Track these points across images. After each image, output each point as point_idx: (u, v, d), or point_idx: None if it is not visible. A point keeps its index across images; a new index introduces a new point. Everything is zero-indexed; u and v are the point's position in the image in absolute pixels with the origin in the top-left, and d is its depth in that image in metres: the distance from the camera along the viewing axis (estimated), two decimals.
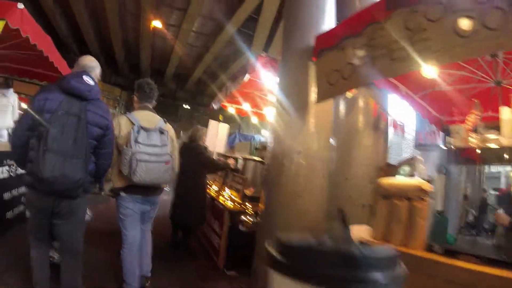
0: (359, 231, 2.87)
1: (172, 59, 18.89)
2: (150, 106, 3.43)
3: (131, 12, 14.93)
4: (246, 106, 7.62)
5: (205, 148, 5.64)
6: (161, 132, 3.17)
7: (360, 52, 2.71)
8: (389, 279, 1.14)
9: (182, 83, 23.88)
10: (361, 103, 4.20)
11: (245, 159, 6.43)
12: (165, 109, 22.91)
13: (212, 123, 8.63)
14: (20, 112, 5.19)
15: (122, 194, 3.12)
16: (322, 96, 3.29)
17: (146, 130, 3.06)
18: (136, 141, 2.95)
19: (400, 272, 1.23)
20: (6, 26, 2.99)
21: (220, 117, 9.94)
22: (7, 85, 5.58)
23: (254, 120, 8.52)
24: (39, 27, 3.69)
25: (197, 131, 5.47)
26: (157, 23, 13.63)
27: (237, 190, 5.57)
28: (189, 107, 24.50)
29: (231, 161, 5.94)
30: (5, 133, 5.28)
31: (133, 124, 3.06)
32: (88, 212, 3.15)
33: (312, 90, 3.41)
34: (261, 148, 6.95)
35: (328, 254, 1.19)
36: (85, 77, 2.46)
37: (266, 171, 3.99)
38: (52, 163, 2.18)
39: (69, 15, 14.77)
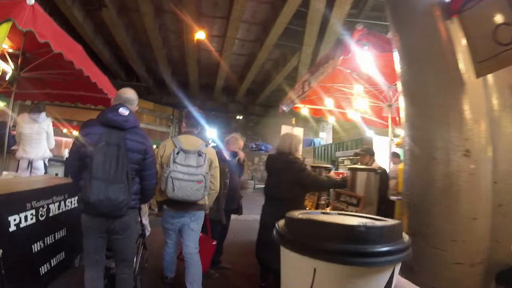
0: None
1: (220, 72, 18.32)
2: (195, 132, 3.71)
3: (172, 29, 14.56)
4: (329, 103, 6.52)
5: (303, 161, 4.14)
6: (199, 154, 3.41)
7: None
8: (392, 251, 1.09)
9: (232, 94, 23.38)
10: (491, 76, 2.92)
11: (351, 170, 4.71)
12: (218, 123, 22.70)
13: (284, 128, 7.50)
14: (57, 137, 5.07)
15: (164, 207, 3.52)
16: (490, 65, 2.18)
17: (185, 152, 3.35)
18: (174, 161, 3.26)
19: (404, 244, 1.15)
20: (27, 38, 2.72)
21: (293, 121, 8.71)
22: (38, 109, 4.94)
23: (331, 120, 7.38)
24: (61, 30, 3.09)
25: (291, 139, 4.05)
26: (200, 35, 12.98)
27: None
28: (242, 118, 23.80)
29: (342, 174, 4.70)
30: (41, 165, 4.72)
31: (175, 146, 3.38)
32: (147, 226, 3.49)
33: (461, 60, 2.32)
34: (364, 153, 5.61)
35: (329, 228, 1.15)
36: (121, 109, 2.67)
37: (407, 186, 2.69)
38: (97, 189, 2.46)
39: (111, 43, 14.66)
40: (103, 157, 2.53)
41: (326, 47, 14.60)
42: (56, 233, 3.78)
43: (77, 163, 2.62)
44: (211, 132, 21.04)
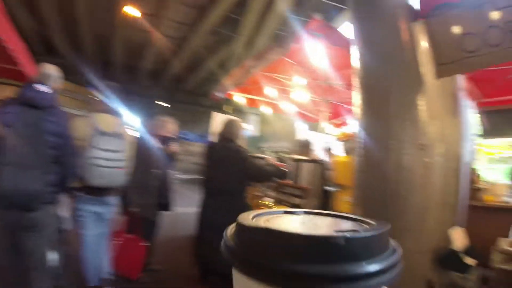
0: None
1: (148, 53, 17.47)
2: (112, 110, 3.35)
3: (101, 3, 13.53)
4: (269, 92, 6.37)
5: (247, 150, 3.85)
6: (119, 137, 3.22)
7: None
8: (383, 270, 0.79)
9: (158, 79, 22.38)
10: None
11: (296, 161, 4.71)
12: (141, 108, 21.57)
13: (216, 116, 7.16)
14: None
15: (79, 194, 3.11)
16: (451, 69, 2.36)
17: (104, 134, 3.10)
18: (94, 146, 3.01)
19: (394, 258, 0.86)
20: None
21: (228, 109, 8.32)
22: None
23: (265, 111, 7.27)
24: None
25: (235, 126, 3.79)
26: (132, 10, 12.20)
27: (294, 206, 3.95)
28: (166, 104, 22.93)
29: (280, 164, 4.39)
30: None
31: (92, 126, 3.07)
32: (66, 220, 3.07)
33: (422, 61, 2.45)
34: (302, 147, 5.50)
35: (296, 241, 0.80)
36: (38, 86, 2.47)
37: (361, 179, 2.73)
38: (10, 176, 2.23)
39: (33, 11, 13.30)
40: (17, 140, 2.32)
41: (261, 40, 14.63)
42: None
43: None
44: (132, 117, 19.99)
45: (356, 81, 2.78)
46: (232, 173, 3.53)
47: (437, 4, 2.41)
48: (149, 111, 22.05)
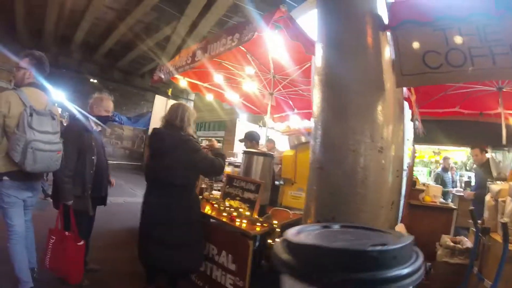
0: None
1: (83, 23, 16.11)
2: (42, 84, 3.09)
3: None
4: (218, 79, 6.17)
5: (198, 140, 3.58)
6: (52, 117, 3.00)
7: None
8: (405, 275, 1.01)
9: (90, 53, 20.81)
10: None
11: (247, 154, 4.55)
12: (70, 84, 20.01)
13: (159, 99, 6.71)
14: None
15: (5, 178, 2.86)
16: (413, 80, 2.56)
17: (38, 113, 2.86)
18: (30, 127, 2.78)
19: (418, 264, 1.08)
20: None
21: (169, 92, 7.84)
22: None
23: (209, 98, 6.96)
24: None
25: (184, 111, 3.44)
26: None
27: (247, 201, 3.92)
28: (97, 82, 21.47)
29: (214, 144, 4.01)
30: None
31: (24, 104, 2.81)
32: None
33: (385, 69, 2.60)
34: (249, 139, 5.37)
35: (339, 254, 1.05)
36: None
37: (317, 175, 2.69)
38: None
39: None
40: None
41: (206, 24, 14.24)
42: None
43: None
44: (58, 94, 18.44)
45: (315, 78, 2.83)
46: (180, 165, 3.23)
47: (405, 19, 2.54)
48: (78, 88, 20.69)
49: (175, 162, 3.21)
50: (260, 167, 4.28)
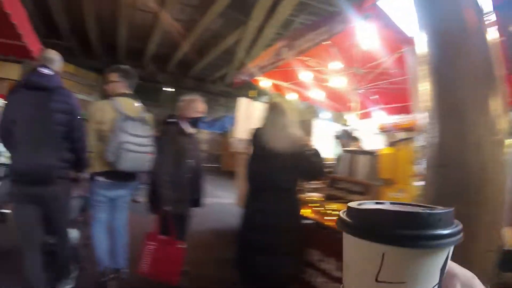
0: None
1: (153, 37, 16.76)
2: (131, 93, 3.39)
3: None
4: (305, 77, 5.82)
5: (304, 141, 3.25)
6: (144, 122, 3.25)
7: None
8: (450, 234, 0.76)
9: (163, 64, 21.63)
10: None
11: (349, 152, 4.30)
12: (146, 94, 20.89)
13: (242, 101, 6.57)
14: None
15: (100, 178, 3.16)
16: None
17: (131, 119, 3.12)
18: (123, 130, 3.02)
19: (458, 227, 0.81)
20: None
21: (252, 93, 7.63)
22: None
23: (291, 97, 6.72)
24: None
25: (285, 111, 3.20)
26: None
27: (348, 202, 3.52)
28: (172, 90, 22.26)
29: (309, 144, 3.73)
30: None
31: (117, 112, 3.08)
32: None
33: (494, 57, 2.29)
34: (346, 137, 5.08)
35: (395, 215, 0.79)
36: (42, 70, 2.58)
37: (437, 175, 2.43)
38: (23, 154, 2.42)
39: None
40: (28, 120, 2.47)
41: (273, 26, 14.00)
42: None
43: (7, 130, 2.54)
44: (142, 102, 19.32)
45: (419, 70, 2.59)
46: (288, 167, 3.01)
47: None
48: (154, 97, 21.62)
49: (284, 164, 3.00)
50: (364, 167, 3.93)
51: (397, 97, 6.08)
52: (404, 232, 0.92)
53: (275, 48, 4.62)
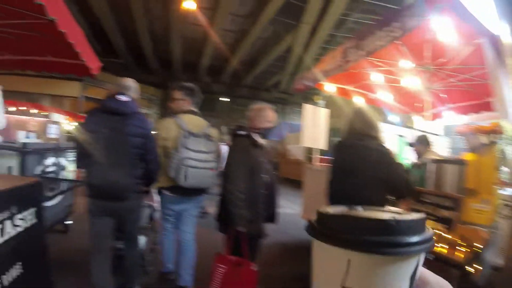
0: None
1: (206, 49, 16.95)
2: (196, 110, 3.42)
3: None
4: (377, 78, 5.35)
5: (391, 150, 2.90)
6: (208, 138, 3.27)
7: None
8: (417, 242, 1.24)
9: (217, 75, 21.92)
10: None
11: (436, 162, 3.83)
12: (202, 104, 21.07)
13: (307, 108, 6.24)
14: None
15: (166, 193, 3.27)
16: None
17: (194, 135, 3.16)
18: (185, 147, 3.06)
19: (428, 235, 1.32)
20: None
21: (317, 99, 7.23)
22: None
23: (359, 102, 6.27)
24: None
25: (369, 117, 2.88)
26: (189, 4, 11.58)
27: (442, 220, 3.28)
28: (227, 100, 22.44)
29: None
30: None
31: (181, 128, 3.15)
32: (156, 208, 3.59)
33: None
34: (421, 144, 4.62)
35: (362, 222, 1.30)
36: (119, 96, 2.76)
37: None
38: (101, 173, 2.57)
39: (87, 10, 13.02)
40: (105, 142, 2.61)
41: (325, 27, 13.57)
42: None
43: (83, 151, 2.66)
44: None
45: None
46: (379, 183, 2.60)
47: None
48: (210, 107, 21.89)
49: (374, 179, 2.59)
50: (453, 178, 3.49)
51: (472, 94, 5.48)
52: (370, 238, 1.17)
53: (340, 50, 4.22)
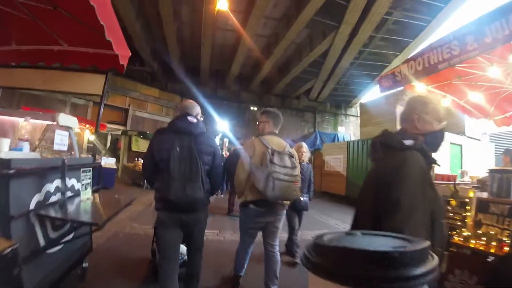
0: None
1: (237, 56, 16.14)
2: (277, 132, 3.70)
3: (187, 1, 12.40)
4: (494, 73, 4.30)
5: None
6: (291, 155, 3.45)
7: None
8: (423, 273, 1.15)
9: (246, 83, 21.19)
10: None
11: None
12: (231, 114, 20.58)
13: (400, 109, 5.50)
14: None
15: (252, 206, 3.39)
16: None
17: (278, 153, 3.36)
18: (272, 162, 3.25)
19: (433, 264, 1.21)
20: None
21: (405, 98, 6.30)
22: None
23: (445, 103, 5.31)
24: None
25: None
26: (222, 5, 10.84)
27: None
28: (256, 109, 21.60)
29: None
30: None
31: (266, 147, 3.35)
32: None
33: None
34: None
35: (360, 254, 1.20)
36: (189, 118, 2.98)
37: None
38: (177, 188, 2.75)
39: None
40: (179, 160, 2.81)
41: (367, 28, 12.59)
42: None
43: (153, 167, 2.89)
44: (222, 124, 18.95)
45: None
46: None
47: None
48: (239, 116, 21.13)
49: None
50: None
51: None
52: (374, 273, 1.17)
53: (445, 42, 3.36)
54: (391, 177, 1.78)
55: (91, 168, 3.39)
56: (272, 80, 20.05)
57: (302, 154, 4.90)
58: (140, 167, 12.57)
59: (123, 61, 2.95)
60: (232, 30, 14.21)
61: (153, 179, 2.96)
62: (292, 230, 5.09)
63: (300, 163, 4.48)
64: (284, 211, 3.67)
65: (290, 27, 12.86)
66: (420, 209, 1.71)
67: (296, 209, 4.94)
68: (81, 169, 3.21)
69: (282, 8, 12.77)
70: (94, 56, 3.17)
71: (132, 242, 5.00)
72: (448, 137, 6.20)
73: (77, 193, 3.27)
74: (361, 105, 19.72)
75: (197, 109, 3.22)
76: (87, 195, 3.27)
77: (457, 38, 3.39)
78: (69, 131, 3.54)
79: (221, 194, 11.46)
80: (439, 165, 2.11)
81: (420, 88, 4.59)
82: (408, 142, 1.92)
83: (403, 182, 1.75)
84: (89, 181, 3.34)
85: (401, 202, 1.68)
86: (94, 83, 3.89)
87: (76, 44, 3.15)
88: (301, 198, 4.75)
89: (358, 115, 20.69)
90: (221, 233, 6.17)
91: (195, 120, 3.04)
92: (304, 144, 5.08)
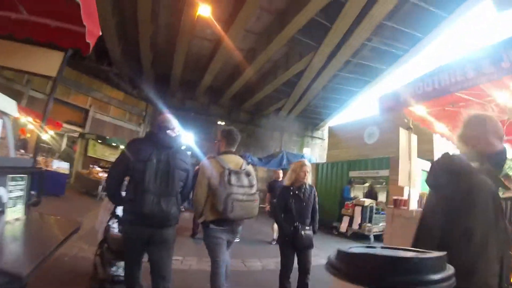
0: None
1: (210, 68, 15.57)
2: (234, 150, 3.63)
3: (166, 3, 11.77)
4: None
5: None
6: (247, 174, 3.43)
7: None
8: (440, 280, 1.20)
9: (216, 96, 20.54)
10: None
11: None
12: (198, 127, 19.76)
13: (402, 133, 5.11)
14: None
15: (212, 226, 3.34)
16: None
17: (235, 172, 3.34)
18: (229, 183, 3.22)
19: (450, 272, 1.25)
20: None
21: (410, 122, 5.92)
22: None
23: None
24: None
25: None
26: (204, 10, 10.29)
27: None
28: (224, 124, 20.94)
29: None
30: None
31: (223, 167, 3.30)
32: None
33: None
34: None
35: (381, 259, 1.24)
36: (170, 132, 3.00)
37: None
38: (150, 201, 2.70)
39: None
40: (154, 172, 2.78)
41: (346, 51, 12.43)
42: None
43: (122, 176, 2.88)
44: (188, 137, 18.17)
45: None
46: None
47: None
48: (205, 130, 20.36)
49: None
50: None
51: None
52: (395, 278, 1.20)
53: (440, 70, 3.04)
54: (460, 204, 1.71)
55: (26, 175, 2.45)
56: (244, 96, 19.57)
57: (305, 174, 4.02)
58: (95, 175, 11.62)
59: (90, 39, 2.06)
60: (209, 39, 13.70)
61: (117, 191, 2.92)
62: (284, 274, 3.88)
63: (302, 185, 4.04)
64: (241, 228, 3.63)
65: (270, 43, 12.47)
66: (493, 240, 1.64)
67: (296, 247, 3.86)
68: (11, 175, 2.20)
69: (264, 22, 12.40)
70: (55, 31, 2.51)
71: (79, 268, 4.10)
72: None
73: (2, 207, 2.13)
74: (330, 129, 19.91)
75: (176, 124, 3.23)
76: (15, 213, 2.24)
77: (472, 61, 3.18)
78: (3, 118, 2.57)
79: (185, 206, 10.40)
80: (509, 188, 2.09)
81: (419, 111, 4.31)
82: (475, 165, 1.85)
83: (474, 209, 1.68)
84: (21, 193, 2.34)
85: (473, 231, 1.62)
86: (48, 62, 2.97)
87: (38, 13, 2.52)
88: (302, 232, 3.88)
89: (324, 138, 20.76)
90: (185, 261, 5.41)
91: (173, 134, 3.07)
92: (307, 162, 4.13)
